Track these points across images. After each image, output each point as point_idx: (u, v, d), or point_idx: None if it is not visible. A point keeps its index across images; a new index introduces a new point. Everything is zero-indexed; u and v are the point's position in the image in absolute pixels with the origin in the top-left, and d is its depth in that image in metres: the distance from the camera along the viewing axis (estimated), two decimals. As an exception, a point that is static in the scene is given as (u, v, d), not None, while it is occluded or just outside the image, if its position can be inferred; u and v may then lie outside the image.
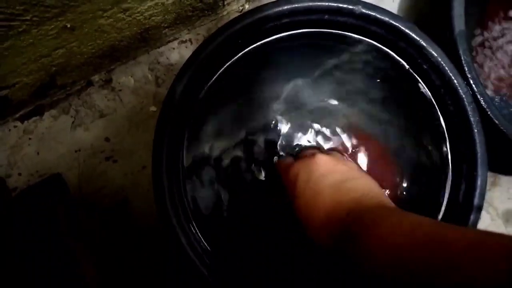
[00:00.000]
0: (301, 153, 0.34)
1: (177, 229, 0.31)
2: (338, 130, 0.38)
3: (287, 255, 0.36)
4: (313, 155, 0.30)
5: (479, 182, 0.33)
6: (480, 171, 0.33)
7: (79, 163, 0.41)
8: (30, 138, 0.40)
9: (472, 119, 0.34)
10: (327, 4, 0.34)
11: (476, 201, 0.34)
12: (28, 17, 0.28)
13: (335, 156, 0.31)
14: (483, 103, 0.34)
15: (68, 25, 0.31)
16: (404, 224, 0.21)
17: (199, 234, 0.34)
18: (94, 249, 0.40)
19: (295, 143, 0.38)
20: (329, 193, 0.27)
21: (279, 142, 0.38)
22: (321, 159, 0.29)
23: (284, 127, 0.38)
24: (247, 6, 0.44)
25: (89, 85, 0.41)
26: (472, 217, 0.33)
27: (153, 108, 0.42)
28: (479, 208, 0.34)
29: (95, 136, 0.41)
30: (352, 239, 0.23)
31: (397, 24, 0.34)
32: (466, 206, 0.33)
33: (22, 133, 0.40)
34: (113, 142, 0.41)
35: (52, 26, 0.30)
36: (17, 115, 0.40)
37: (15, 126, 0.40)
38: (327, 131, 0.38)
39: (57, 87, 0.39)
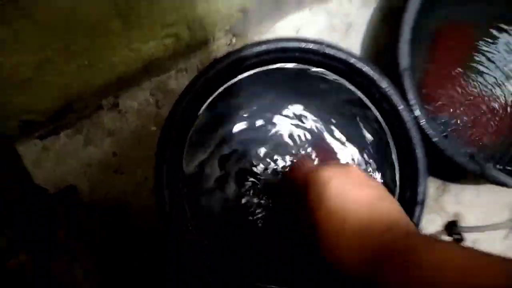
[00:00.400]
0: (328, 162, 0.34)
1: (178, 235, 0.37)
2: (310, 148, 0.46)
3: (287, 255, 0.42)
4: (344, 165, 0.28)
5: (421, 189, 0.41)
6: (421, 179, 0.41)
7: (90, 175, 0.48)
8: (48, 155, 0.47)
9: (414, 138, 0.42)
10: (298, 44, 0.42)
11: (419, 199, 0.41)
12: (56, 60, 0.36)
13: (364, 171, 0.30)
14: (423, 124, 0.42)
15: (87, 63, 0.39)
16: (447, 257, 0.20)
17: (198, 236, 0.40)
18: (94, 249, 0.44)
19: (287, 156, 0.45)
20: (365, 211, 0.24)
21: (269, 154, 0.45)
22: (357, 172, 0.27)
23: (270, 143, 0.45)
24: (234, 40, 0.52)
25: (99, 109, 0.48)
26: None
27: (153, 128, 0.50)
28: (422, 203, 0.41)
29: (103, 152, 0.48)
30: (389, 268, 0.21)
31: (353, 61, 0.42)
32: (411, 202, 0.41)
33: (41, 150, 0.47)
34: (120, 157, 0.48)
35: (75, 64, 0.38)
36: (38, 134, 0.47)
37: (35, 144, 0.47)
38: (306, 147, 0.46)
39: (72, 111, 0.46)
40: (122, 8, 0.33)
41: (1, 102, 0.37)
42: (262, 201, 0.44)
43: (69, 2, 0.30)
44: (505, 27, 0.53)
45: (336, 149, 0.46)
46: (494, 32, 0.52)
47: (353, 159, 0.46)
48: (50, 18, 0.30)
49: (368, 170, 0.46)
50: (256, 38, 0.51)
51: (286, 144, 0.46)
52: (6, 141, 0.32)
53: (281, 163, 0.45)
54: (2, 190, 0.39)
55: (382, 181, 0.46)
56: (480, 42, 0.53)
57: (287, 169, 0.44)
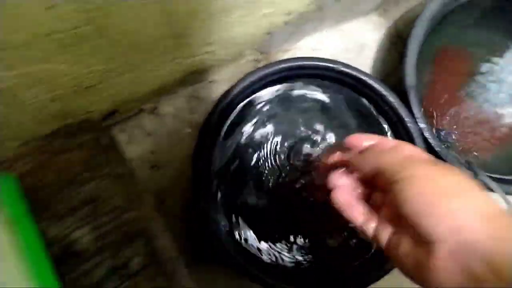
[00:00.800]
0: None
1: (212, 229, 0.43)
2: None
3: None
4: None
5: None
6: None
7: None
8: (96, 150, 0.54)
9: (418, 147, 0.48)
10: (317, 63, 0.49)
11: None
12: (117, 71, 0.43)
13: None
14: (427, 135, 0.48)
15: (139, 73, 0.46)
16: None
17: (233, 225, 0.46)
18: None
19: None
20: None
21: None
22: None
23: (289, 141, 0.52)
24: (259, 57, 0.59)
25: (141, 112, 0.56)
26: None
27: (187, 130, 0.56)
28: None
29: (143, 150, 0.55)
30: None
31: (364, 78, 0.48)
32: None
33: (90, 146, 0.54)
34: (157, 154, 0.55)
35: (130, 74, 0.45)
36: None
37: (85, 141, 0.54)
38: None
39: (118, 113, 0.54)
40: (176, 30, 0.40)
41: (68, 104, 0.44)
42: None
43: (136, 24, 0.37)
44: (504, 52, 0.59)
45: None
46: (492, 56, 0.58)
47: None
48: (120, 37, 0.38)
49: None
50: (279, 55, 0.59)
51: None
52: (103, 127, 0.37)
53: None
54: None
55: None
56: (479, 65, 0.59)
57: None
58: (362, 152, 0.29)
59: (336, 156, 0.31)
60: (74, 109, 0.47)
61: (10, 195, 0.26)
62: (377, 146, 0.29)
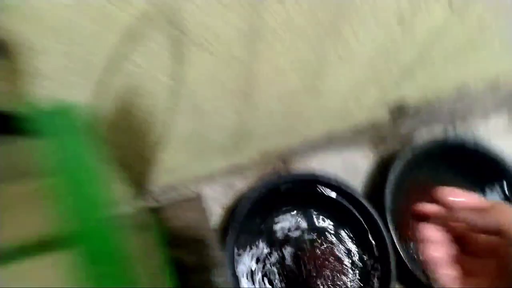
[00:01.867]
0: None
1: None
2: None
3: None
4: None
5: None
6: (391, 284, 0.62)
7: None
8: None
9: (391, 259, 0.65)
10: (315, 176, 0.68)
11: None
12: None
13: None
14: (399, 248, 0.65)
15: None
16: None
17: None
18: None
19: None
20: None
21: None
22: None
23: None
24: (280, 165, 0.79)
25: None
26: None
27: (219, 210, 0.73)
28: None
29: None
30: None
31: (356, 196, 0.68)
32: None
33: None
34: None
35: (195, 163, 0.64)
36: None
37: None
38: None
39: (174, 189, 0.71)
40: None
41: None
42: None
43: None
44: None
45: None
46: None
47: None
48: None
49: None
50: (296, 165, 0.79)
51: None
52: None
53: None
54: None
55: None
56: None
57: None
58: (452, 208, 0.28)
59: (429, 207, 0.30)
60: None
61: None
62: (501, 204, 0.27)
